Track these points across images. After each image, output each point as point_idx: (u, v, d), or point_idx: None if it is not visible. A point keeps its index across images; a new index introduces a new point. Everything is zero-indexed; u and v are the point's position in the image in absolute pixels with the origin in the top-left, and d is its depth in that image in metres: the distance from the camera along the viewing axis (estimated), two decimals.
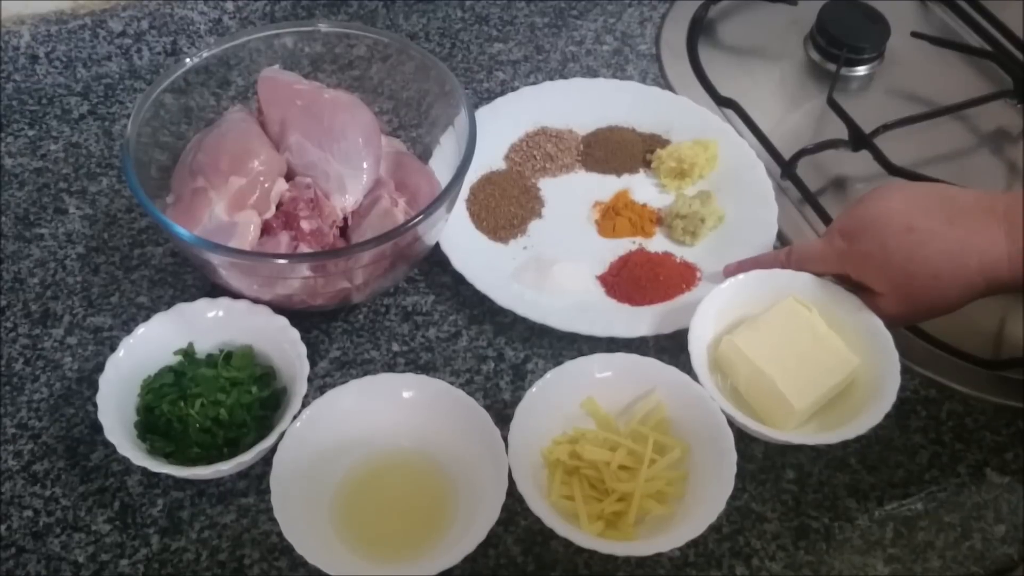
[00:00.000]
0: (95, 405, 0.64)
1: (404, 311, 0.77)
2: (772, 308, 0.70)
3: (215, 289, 0.73)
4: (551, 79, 0.93)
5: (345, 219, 0.75)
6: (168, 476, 0.65)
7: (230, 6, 0.94)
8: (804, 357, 0.67)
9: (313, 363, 0.71)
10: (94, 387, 0.65)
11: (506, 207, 0.82)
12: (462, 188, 0.74)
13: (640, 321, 0.74)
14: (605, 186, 0.86)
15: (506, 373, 0.74)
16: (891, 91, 0.98)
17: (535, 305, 0.75)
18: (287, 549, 0.59)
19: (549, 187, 0.85)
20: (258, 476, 0.67)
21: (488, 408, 0.65)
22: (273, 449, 0.63)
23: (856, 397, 0.68)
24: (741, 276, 0.72)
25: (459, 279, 0.76)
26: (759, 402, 0.68)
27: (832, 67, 0.96)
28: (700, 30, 1.00)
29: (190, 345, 0.69)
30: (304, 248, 0.71)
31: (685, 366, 0.67)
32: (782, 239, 0.82)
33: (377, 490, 0.65)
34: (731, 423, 0.64)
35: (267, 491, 0.61)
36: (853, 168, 0.89)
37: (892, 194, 0.69)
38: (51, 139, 0.87)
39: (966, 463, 0.70)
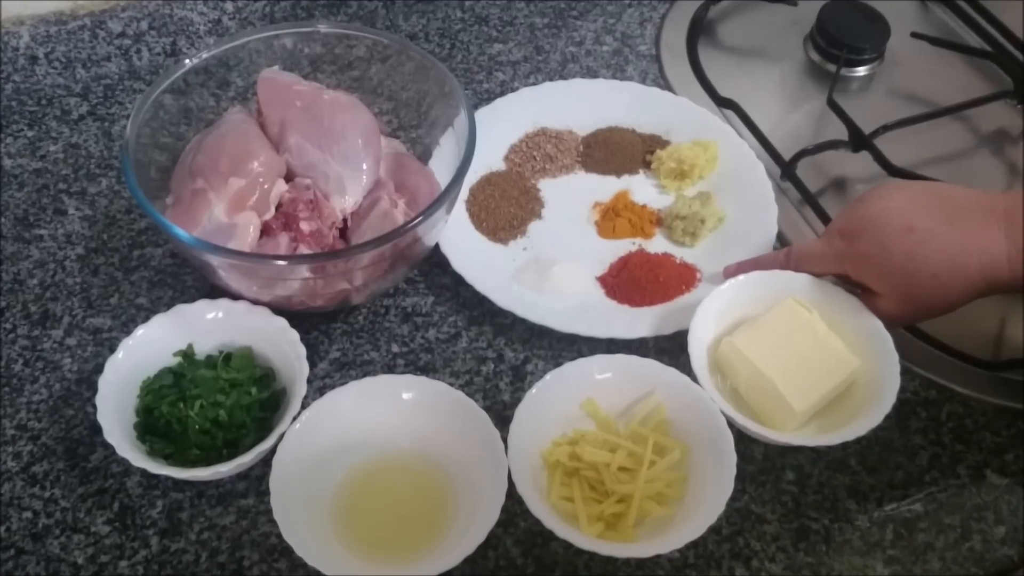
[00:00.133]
0: (94, 406, 0.64)
1: (404, 312, 0.77)
2: (772, 309, 0.70)
3: (214, 290, 0.73)
4: (551, 80, 0.92)
5: (345, 220, 0.75)
6: (167, 477, 0.65)
7: (230, 7, 0.94)
8: (804, 358, 0.67)
9: (313, 364, 0.71)
10: (93, 388, 0.65)
11: (506, 208, 0.82)
12: (462, 189, 0.74)
13: (640, 322, 0.74)
14: (605, 187, 0.86)
15: (506, 374, 0.74)
16: (891, 92, 0.97)
17: (535, 306, 0.75)
18: (287, 551, 0.59)
19: (549, 188, 0.85)
20: (258, 478, 0.67)
21: (488, 409, 0.65)
22: (273, 450, 0.63)
23: (856, 398, 0.68)
24: (741, 277, 0.72)
25: (459, 280, 0.76)
26: (759, 403, 0.68)
27: (832, 68, 0.96)
28: (700, 30, 1.00)
29: (189, 346, 0.69)
30: (303, 249, 0.71)
31: (685, 367, 0.67)
32: (782, 240, 0.82)
33: (377, 492, 0.65)
34: (731, 424, 0.64)
35: (267, 492, 0.61)
36: (853, 169, 0.89)
37: (891, 194, 0.68)
38: (50, 140, 0.87)
39: (966, 464, 0.70)
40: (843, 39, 0.97)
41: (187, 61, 0.76)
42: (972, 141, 0.93)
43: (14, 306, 0.76)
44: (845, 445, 0.66)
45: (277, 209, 0.73)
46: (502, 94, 0.90)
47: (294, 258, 0.69)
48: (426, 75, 0.78)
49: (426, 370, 0.74)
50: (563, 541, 0.59)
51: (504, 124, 0.87)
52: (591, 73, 0.95)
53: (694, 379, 0.67)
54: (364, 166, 0.75)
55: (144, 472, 0.64)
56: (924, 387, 0.74)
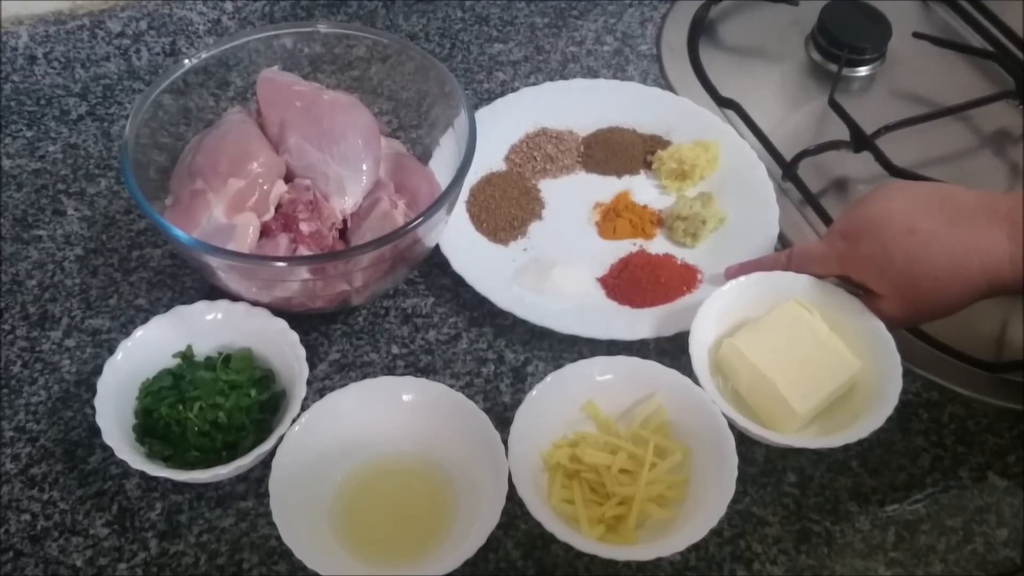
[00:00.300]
0: (93, 408, 0.64)
1: (404, 313, 0.77)
2: (773, 311, 0.70)
3: (214, 291, 0.72)
4: (551, 80, 0.92)
5: (344, 221, 0.75)
6: (167, 479, 0.65)
7: (229, 6, 0.94)
8: (805, 360, 0.67)
9: (312, 365, 0.71)
10: (92, 390, 0.65)
11: (506, 209, 0.82)
12: (462, 189, 0.74)
13: (641, 323, 0.74)
14: (605, 187, 0.85)
15: (506, 376, 0.73)
16: (893, 92, 0.97)
17: (535, 307, 0.75)
18: (286, 553, 0.59)
19: (549, 188, 0.85)
20: (257, 480, 0.67)
21: (488, 411, 0.64)
22: (272, 452, 0.62)
23: (858, 400, 0.67)
24: (742, 278, 0.72)
25: (459, 281, 0.76)
26: (760, 405, 0.68)
27: (833, 68, 0.96)
28: (701, 30, 1.00)
29: (189, 348, 0.69)
30: (303, 250, 0.71)
31: (686, 369, 0.67)
32: (783, 241, 0.82)
33: (376, 494, 0.65)
34: (732, 426, 0.64)
35: (266, 495, 0.61)
36: (854, 169, 0.89)
37: (893, 195, 0.68)
38: (49, 140, 0.87)
39: (968, 466, 0.70)
40: (844, 39, 0.97)
41: (186, 61, 0.76)
42: (974, 141, 0.93)
43: (13, 307, 0.75)
44: (847, 447, 0.66)
45: (277, 210, 0.73)
46: (502, 94, 0.90)
47: (294, 259, 0.69)
48: (426, 75, 0.78)
49: (426, 372, 0.73)
50: (564, 544, 0.59)
51: (504, 124, 0.87)
52: (592, 73, 0.95)
53: (695, 381, 0.66)
54: (364, 167, 0.75)
55: (143, 474, 0.64)
56: (926, 389, 0.74)
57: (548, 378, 0.66)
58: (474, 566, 0.62)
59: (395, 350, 0.74)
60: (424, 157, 0.80)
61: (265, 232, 0.72)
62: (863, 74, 0.98)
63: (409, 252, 0.71)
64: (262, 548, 0.64)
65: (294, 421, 0.63)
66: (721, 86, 0.94)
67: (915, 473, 0.69)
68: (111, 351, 0.67)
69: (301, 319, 0.71)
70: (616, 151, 0.87)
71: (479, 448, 0.63)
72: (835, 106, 0.90)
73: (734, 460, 0.62)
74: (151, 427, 0.65)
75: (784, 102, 0.97)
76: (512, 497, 0.60)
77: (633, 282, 0.77)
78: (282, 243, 0.70)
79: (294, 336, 0.68)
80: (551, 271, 0.77)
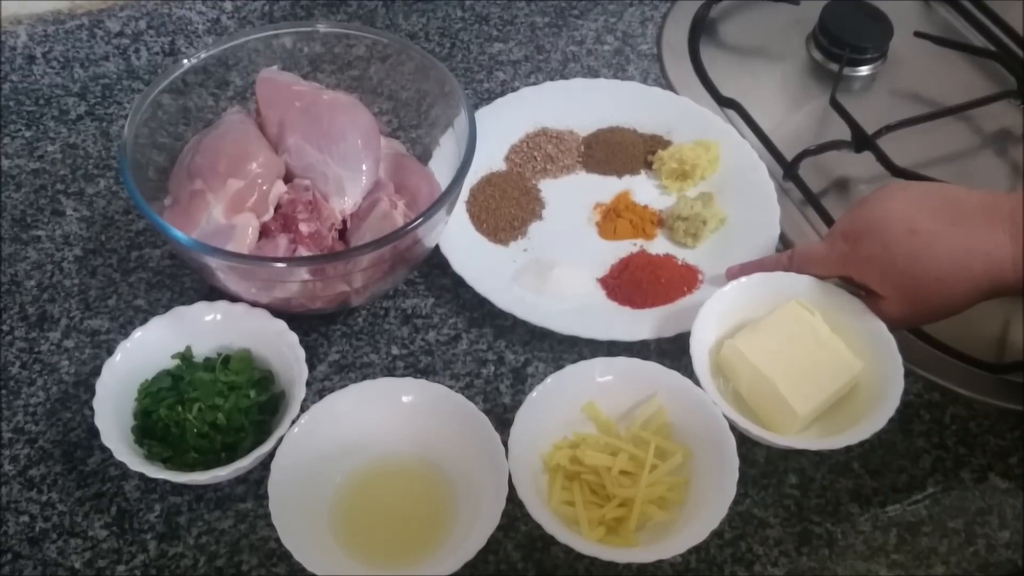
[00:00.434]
0: (92, 409, 0.64)
1: (404, 314, 0.76)
2: (775, 311, 0.69)
3: (213, 292, 0.72)
4: (551, 79, 0.92)
5: (344, 222, 0.74)
6: (165, 481, 0.65)
7: (228, 6, 0.93)
8: (807, 361, 0.67)
9: (312, 366, 0.70)
10: (91, 391, 0.65)
11: (506, 209, 0.82)
12: (462, 190, 0.74)
13: (641, 324, 0.74)
14: (606, 187, 0.85)
15: (506, 377, 0.73)
16: (894, 91, 0.97)
17: (535, 308, 0.74)
18: (285, 555, 0.59)
19: (549, 188, 0.85)
20: (256, 481, 0.66)
21: (488, 412, 0.64)
22: (271, 454, 0.62)
23: (859, 401, 0.67)
24: (743, 279, 0.72)
25: (459, 282, 0.76)
26: (761, 407, 0.68)
27: (834, 67, 0.96)
28: (702, 30, 1.00)
29: (188, 349, 0.69)
30: (303, 251, 0.71)
31: (687, 370, 0.67)
32: (784, 241, 0.81)
33: (376, 495, 0.65)
34: (733, 428, 0.64)
35: (265, 496, 0.60)
36: (856, 169, 0.88)
37: (895, 195, 0.68)
38: (48, 140, 0.86)
39: (970, 468, 0.70)
40: (846, 38, 0.96)
41: (185, 61, 0.75)
42: (975, 141, 0.93)
43: (11, 308, 0.75)
44: (848, 448, 0.66)
45: (276, 210, 0.72)
46: (502, 94, 0.90)
47: (293, 260, 0.69)
48: (426, 75, 0.78)
49: (426, 372, 0.73)
50: (564, 546, 0.59)
51: (505, 124, 0.87)
52: (592, 73, 0.95)
53: (696, 382, 0.66)
54: (363, 167, 0.75)
55: (142, 476, 0.64)
56: (927, 390, 0.73)
57: (548, 379, 0.66)
58: (474, 568, 0.62)
59: (395, 351, 0.74)
60: (424, 157, 0.80)
61: (264, 233, 0.71)
62: (864, 74, 0.98)
63: (409, 253, 0.71)
64: (261, 550, 0.64)
65: (293, 422, 0.63)
66: (722, 86, 0.93)
67: (916, 474, 0.69)
68: (110, 352, 0.67)
69: (300, 320, 0.71)
70: (616, 151, 0.86)
71: (479, 449, 0.63)
72: (836, 106, 0.90)
73: (735, 461, 0.62)
74: (150, 428, 0.65)
75: (785, 102, 0.96)
76: (512, 499, 0.60)
77: (634, 283, 0.77)
78: (281, 244, 0.70)
79: (293, 337, 0.68)
80: (551, 271, 0.77)
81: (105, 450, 0.62)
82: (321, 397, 0.65)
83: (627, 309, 0.76)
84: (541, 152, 0.86)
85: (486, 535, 0.58)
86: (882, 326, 0.68)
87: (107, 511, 0.65)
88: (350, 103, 0.76)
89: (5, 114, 0.88)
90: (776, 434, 0.65)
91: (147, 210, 0.66)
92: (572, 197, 0.84)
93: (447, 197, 0.69)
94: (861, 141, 0.87)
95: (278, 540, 0.58)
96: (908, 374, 0.66)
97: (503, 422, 0.64)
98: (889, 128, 0.88)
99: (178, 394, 0.66)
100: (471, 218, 0.82)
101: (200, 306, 0.69)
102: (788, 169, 0.86)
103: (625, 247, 0.81)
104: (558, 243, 0.81)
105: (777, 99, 0.96)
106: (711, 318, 0.70)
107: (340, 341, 0.75)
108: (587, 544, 0.59)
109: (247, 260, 0.68)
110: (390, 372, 0.73)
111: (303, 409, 0.64)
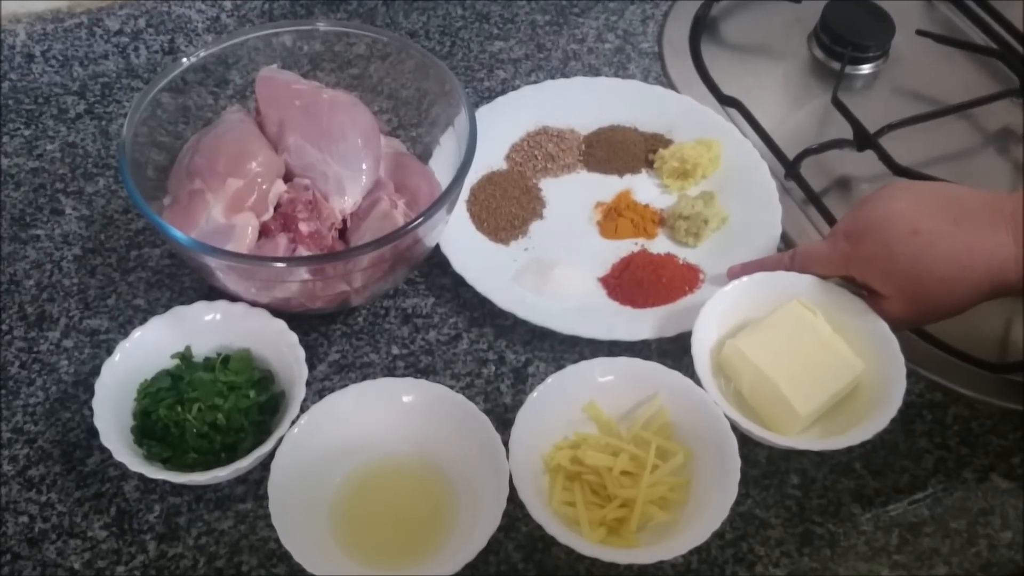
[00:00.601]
0: (91, 409, 0.63)
1: (404, 314, 0.76)
2: (776, 311, 0.69)
3: (213, 292, 0.72)
4: (552, 78, 0.92)
5: (344, 221, 0.74)
6: (165, 482, 0.64)
7: (228, 4, 0.93)
8: (809, 361, 0.66)
9: (312, 366, 0.70)
10: (90, 391, 0.65)
11: (507, 208, 0.81)
12: (462, 189, 0.74)
13: (642, 324, 0.74)
14: (607, 186, 0.85)
15: (507, 377, 0.73)
16: (896, 90, 0.97)
17: (536, 308, 0.74)
18: (285, 556, 0.59)
19: (550, 187, 0.84)
20: (256, 481, 0.66)
21: (489, 412, 0.64)
22: (271, 454, 0.62)
23: (861, 401, 0.67)
24: (745, 279, 0.71)
25: (459, 281, 0.76)
26: (763, 407, 0.68)
27: (836, 66, 0.95)
28: (703, 28, 0.99)
29: (187, 349, 0.69)
30: (302, 251, 0.70)
31: (688, 370, 0.67)
32: (786, 240, 0.81)
33: (376, 496, 0.64)
34: (734, 428, 0.64)
35: (265, 497, 0.60)
36: (858, 168, 0.88)
37: (897, 195, 0.68)
38: (47, 139, 0.86)
39: (972, 468, 0.69)
40: (847, 37, 0.96)
41: (185, 59, 0.75)
42: (977, 140, 0.93)
43: (10, 307, 0.75)
44: (850, 448, 0.65)
45: (276, 210, 0.72)
46: (503, 92, 0.89)
47: (293, 260, 0.69)
48: (426, 73, 0.78)
49: (426, 372, 0.73)
50: (565, 546, 0.58)
51: (505, 123, 0.87)
52: (593, 71, 0.95)
53: (697, 382, 0.66)
54: (364, 166, 0.74)
55: (141, 476, 0.63)
56: (929, 390, 0.73)
57: (549, 379, 0.66)
58: (474, 569, 0.61)
59: (395, 351, 0.74)
60: (424, 156, 0.80)
61: (264, 232, 0.71)
62: (866, 72, 0.98)
63: (409, 252, 0.70)
64: (261, 550, 0.64)
65: (293, 423, 0.63)
66: (723, 84, 0.93)
67: (918, 475, 0.69)
68: (109, 352, 0.67)
69: (300, 320, 0.71)
70: (617, 150, 0.86)
71: (479, 450, 0.63)
72: (838, 104, 0.89)
73: (736, 462, 0.62)
74: (149, 429, 0.65)
75: (787, 100, 0.96)
76: (513, 499, 0.60)
77: (635, 282, 0.77)
78: (281, 243, 0.70)
79: (293, 337, 0.68)
80: (552, 271, 0.76)
81: (104, 450, 0.62)
82: (321, 397, 0.65)
83: (628, 309, 0.76)
84: (542, 151, 0.85)
85: (487, 536, 0.58)
86: (884, 326, 0.68)
87: (106, 511, 0.65)
88: (350, 102, 0.76)
89: (4, 113, 0.88)
90: (778, 434, 0.65)
91: (146, 209, 0.66)
92: (573, 196, 0.84)
93: (447, 196, 0.69)
94: (863, 140, 0.87)
95: (278, 541, 0.58)
96: (910, 374, 0.66)
97: (504, 422, 0.63)
98: (891, 127, 0.87)
99: (178, 394, 0.66)
100: (472, 217, 0.81)
101: (200, 306, 0.69)
102: (790, 168, 0.86)
103: (626, 246, 0.81)
104: (559, 242, 0.81)
105: (779, 98, 0.96)
106: (712, 318, 0.70)
107: (340, 341, 0.74)
108: (588, 545, 0.59)
109: (247, 260, 0.68)
110: (390, 372, 0.73)
111: (303, 409, 0.64)
